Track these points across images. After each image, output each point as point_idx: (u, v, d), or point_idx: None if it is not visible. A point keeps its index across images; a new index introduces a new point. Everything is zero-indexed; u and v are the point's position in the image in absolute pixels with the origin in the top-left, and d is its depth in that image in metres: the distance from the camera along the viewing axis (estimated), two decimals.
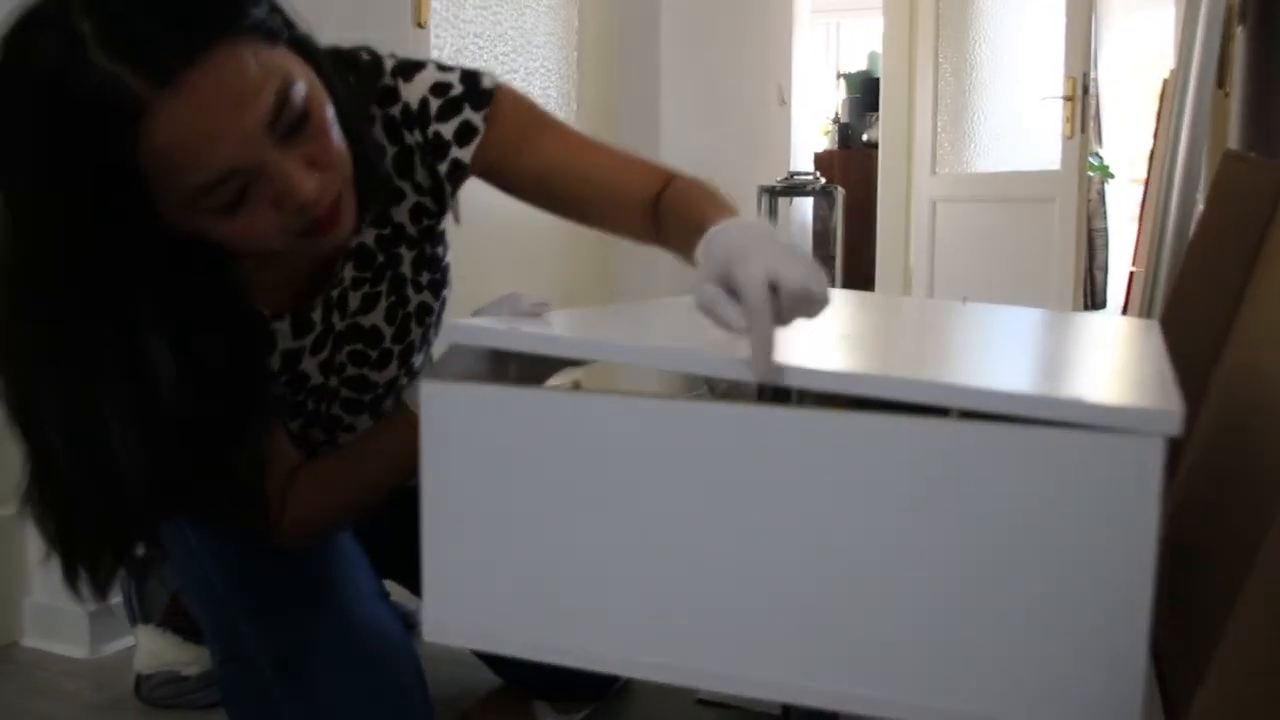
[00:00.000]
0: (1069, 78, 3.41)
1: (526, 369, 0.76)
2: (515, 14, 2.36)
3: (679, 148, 2.83)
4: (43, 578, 1.42)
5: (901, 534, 0.62)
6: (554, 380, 0.80)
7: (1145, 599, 0.58)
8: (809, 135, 4.64)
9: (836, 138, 5.11)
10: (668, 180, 0.91)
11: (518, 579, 0.72)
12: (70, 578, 0.77)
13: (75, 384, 0.71)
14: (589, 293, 2.74)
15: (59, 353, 0.71)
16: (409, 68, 0.90)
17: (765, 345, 0.61)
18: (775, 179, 3.51)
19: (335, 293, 0.92)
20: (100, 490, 0.73)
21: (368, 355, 0.97)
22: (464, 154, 0.90)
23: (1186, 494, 1.00)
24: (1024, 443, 0.60)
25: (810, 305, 0.62)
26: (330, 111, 0.75)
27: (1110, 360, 0.91)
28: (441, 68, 0.91)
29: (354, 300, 0.94)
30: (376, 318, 0.96)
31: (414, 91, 0.89)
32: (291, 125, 0.71)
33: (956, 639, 0.62)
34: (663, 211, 0.88)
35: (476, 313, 0.87)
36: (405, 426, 0.83)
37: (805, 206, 3.98)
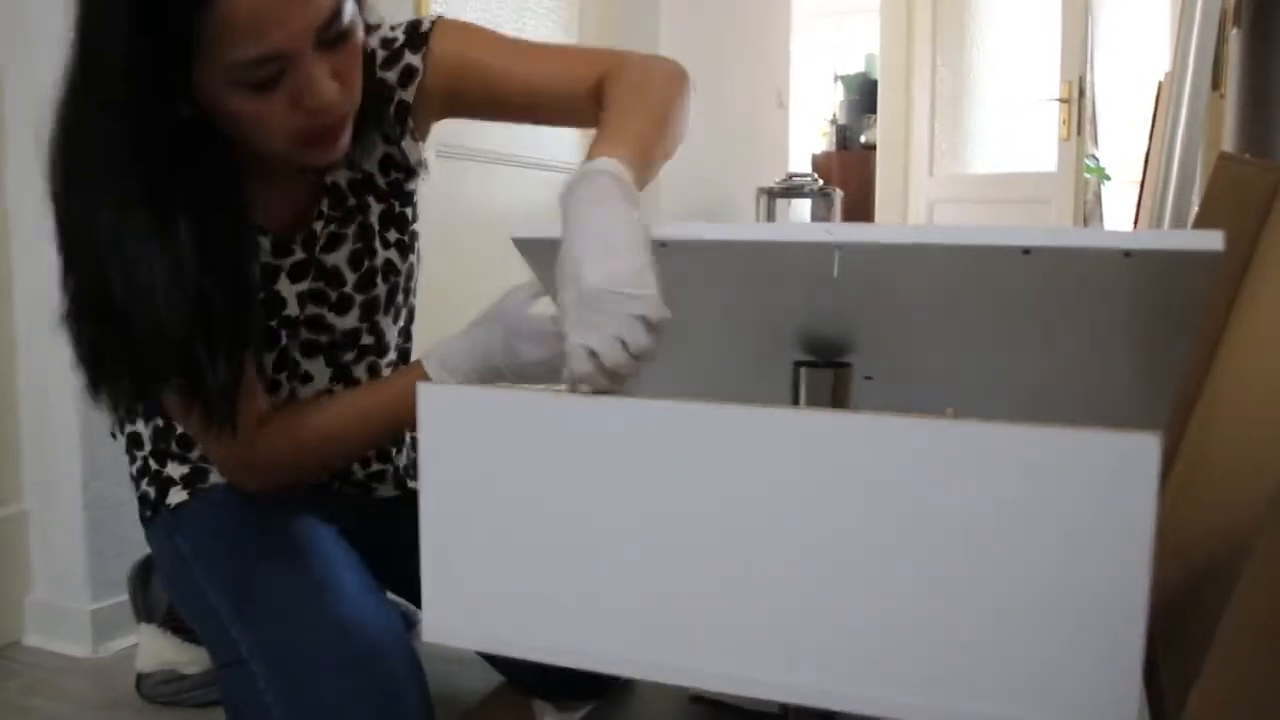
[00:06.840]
0: (1065, 80, 3.42)
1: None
2: (515, 15, 2.36)
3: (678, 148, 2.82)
4: (44, 577, 1.43)
5: (897, 533, 0.62)
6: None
7: (1141, 597, 0.58)
8: (806, 137, 4.64)
9: (834, 139, 5.11)
10: (606, 70, 0.94)
11: (516, 580, 0.72)
12: (92, 392, 0.86)
13: (134, 221, 0.81)
14: None
15: (121, 198, 0.81)
16: (369, 27, 0.94)
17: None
18: (774, 181, 3.52)
19: (313, 225, 1.00)
20: (133, 306, 0.81)
21: (327, 295, 1.02)
22: (407, 95, 0.98)
23: (1180, 495, 1.00)
24: (1020, 442, 0.59)
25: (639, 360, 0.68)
26: (360, 41, 0.85)
27: None
28: (393, 27, 0.99)
29: (322, 236, 1.01)
30: (340, 259, 1.02)
31: (369, 44, 0.94)
32: (334, 38, 0.81)
33: (953, 638, 0.62)
34: (600, 108, 0.92)
35: (477, 320, 0.91)
36: (395, 387, 0.93)
37: (803, 208, 3.98)
